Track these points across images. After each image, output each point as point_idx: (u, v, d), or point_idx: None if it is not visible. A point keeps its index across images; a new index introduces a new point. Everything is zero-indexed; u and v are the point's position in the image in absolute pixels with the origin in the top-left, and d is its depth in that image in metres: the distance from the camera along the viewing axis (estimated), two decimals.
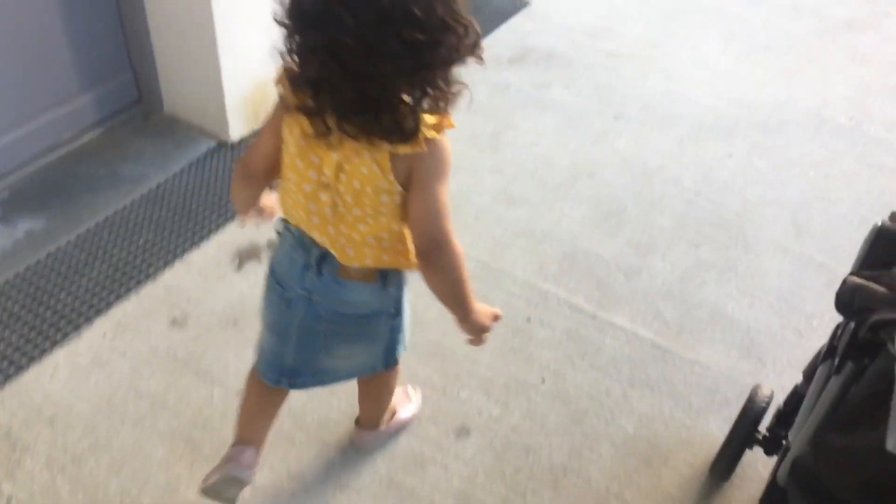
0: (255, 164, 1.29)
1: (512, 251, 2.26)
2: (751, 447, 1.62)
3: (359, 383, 1.61)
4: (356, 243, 1.22)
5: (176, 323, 1.97)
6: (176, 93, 2.51)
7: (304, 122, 1.13)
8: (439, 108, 1.11)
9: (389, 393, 1.64)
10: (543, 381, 1.91)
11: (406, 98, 1.09)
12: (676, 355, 2.00)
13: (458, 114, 1.15)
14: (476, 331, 1.33)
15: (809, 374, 1.46)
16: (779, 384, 1.69)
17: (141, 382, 1.83)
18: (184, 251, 2.13)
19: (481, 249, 2.24)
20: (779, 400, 1.61)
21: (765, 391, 1.62)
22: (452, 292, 1.25)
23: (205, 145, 2.47)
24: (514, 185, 2.49)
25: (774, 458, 1.53)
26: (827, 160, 2.69)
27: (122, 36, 2.43)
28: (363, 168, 1.14)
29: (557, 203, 2.43)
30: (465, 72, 1.11)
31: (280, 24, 1.07)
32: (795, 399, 1.50)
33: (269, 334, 1.43)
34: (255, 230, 2.20)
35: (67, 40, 2.29)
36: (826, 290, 2.21)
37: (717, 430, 1.81)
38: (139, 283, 2.04)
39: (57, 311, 1.95)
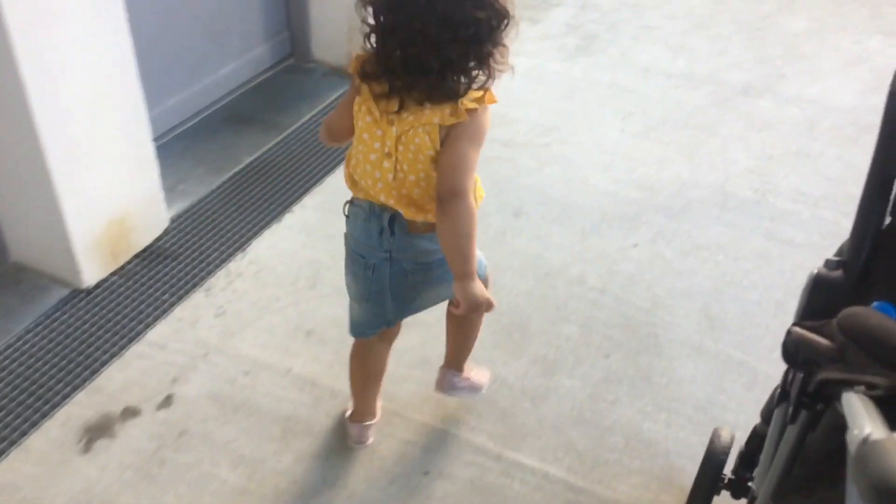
0: (338, 132, 1.53)
1: (406, 386, 2.03)
2: (718, 492, 1.59)
3: (448, 323, 1.82)
4: (414, 202, 1.43)
5: None
6: (21, 239, 2.25)
7: (371, 102, 1.38)
8: (487, 79, 1.36)
9: (477, 328, 1.83)
10: None
11: (463, 68, 1.33)
12: (592, 495, 1.79)
13: None
14: (466, 296, 1.43)
15: (767, 415, 1.44)
16: None
17: None
18: (22, 434, 1.84)
19: None
20: (741, 441, 1.57)
21: (725, 434, 1.62)
22: (459, 244, 1.39)
23: (56, 295, 2.20)
24: None
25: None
26: (735, 241, 2.56)
27: None
28: (417, 139, 1.37)
29: None
30: None
31: (370, 8, 1.32)
32: (756, 439, 1.49)
33: (362, 304, 1.63)
34: (108, 400, 1.93)
35: None
36: (747, 393, 2.05)
37: None
38: None
39: None
